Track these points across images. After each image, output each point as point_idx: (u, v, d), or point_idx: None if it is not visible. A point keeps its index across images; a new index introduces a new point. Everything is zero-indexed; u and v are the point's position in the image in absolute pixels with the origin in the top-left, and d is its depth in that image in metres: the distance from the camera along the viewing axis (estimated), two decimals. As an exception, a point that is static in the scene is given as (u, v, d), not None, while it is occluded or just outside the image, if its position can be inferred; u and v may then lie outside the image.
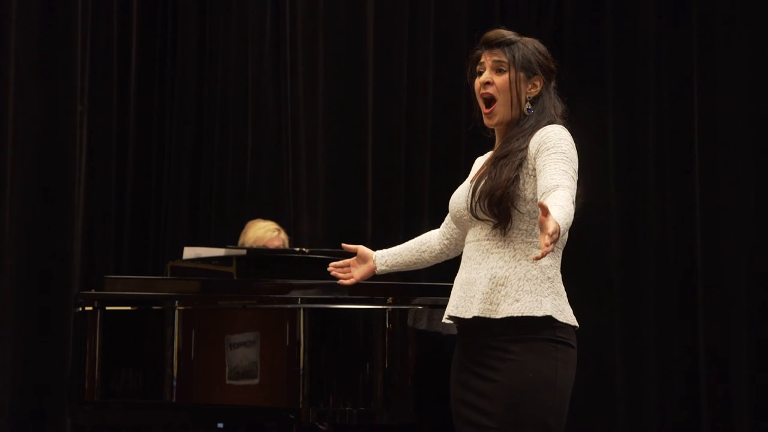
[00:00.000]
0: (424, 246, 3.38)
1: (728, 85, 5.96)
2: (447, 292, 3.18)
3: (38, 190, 5.34)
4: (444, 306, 3.16)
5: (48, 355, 5.24)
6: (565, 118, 3.11)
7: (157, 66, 5.83)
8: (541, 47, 3.13)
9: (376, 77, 6.00)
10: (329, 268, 3.43)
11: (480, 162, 3.27)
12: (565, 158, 2.91)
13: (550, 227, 2.63)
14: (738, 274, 5.84)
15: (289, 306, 3.86)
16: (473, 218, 3.03)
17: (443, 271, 5.37)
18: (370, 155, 5.93)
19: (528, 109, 3.08)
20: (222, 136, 5.83)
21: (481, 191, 2.99)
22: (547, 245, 2.63)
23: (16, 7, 5.31)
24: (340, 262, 3.43)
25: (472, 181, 3.10)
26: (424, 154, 6.07)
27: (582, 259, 5.73)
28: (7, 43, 5.27)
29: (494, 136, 3.19)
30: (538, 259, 2.68)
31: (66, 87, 5.40)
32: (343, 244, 3.42)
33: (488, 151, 3.26)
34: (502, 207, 2.96)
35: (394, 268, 3.39)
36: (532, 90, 3.09)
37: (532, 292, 2.96)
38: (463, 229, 3.13)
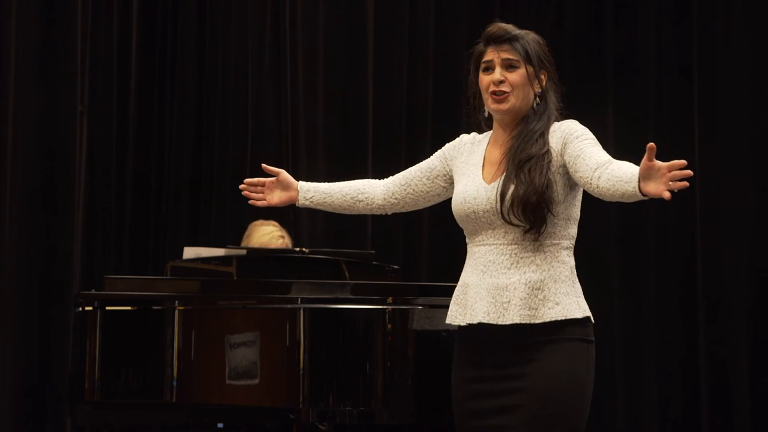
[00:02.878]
0: (361, 195, 3.25)
1: (728, 84, 5.95)
2: (446, 291, 3.17)
3: (38, 189, 5.34)
4: (444, 306, 3.14)
5: (48, 355, 5.24)
6: (562, 111, 3.08)
7: (157, 66, 5.83)
8: (541, 39, 3.07)
9: (376, 77, 6.00)
10: (241, 186, 3.25)
11: (468, 143, 3.16)
12: (597, 143, 2.93)
13: (678, 161, 2.63)
14: (738, 275, 5.84)
15: (289, 306, 3.86)
16: (504, 223, 2.94)
17: (444, 271, 5.38)
18: (370, 155, 5.92)
19: (537, 104, 3.03)
20: (222, 136, 5.83)
21: (513, 197, 2.91)
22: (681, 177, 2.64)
23: (16, 7, 5.31)
24: (254, 180, 3.26)
25: (491, 182, 3.00)
26: (424, 155, 6.03)
27: (582, 259, 5.71)
28: (7, 43, 5.27)
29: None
30: (671, 192, 2.66)
31: (66, 87, 5.39)
32: (263, 165, 3.25)
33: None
34: (539, 213, 2.90)
35: (318, 207, 3.25)
36: (541, 85, 3.04)
37: (568, 293, 2.95)
38: (471, 228, 3.03)
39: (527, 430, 2.88)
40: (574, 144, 2.92)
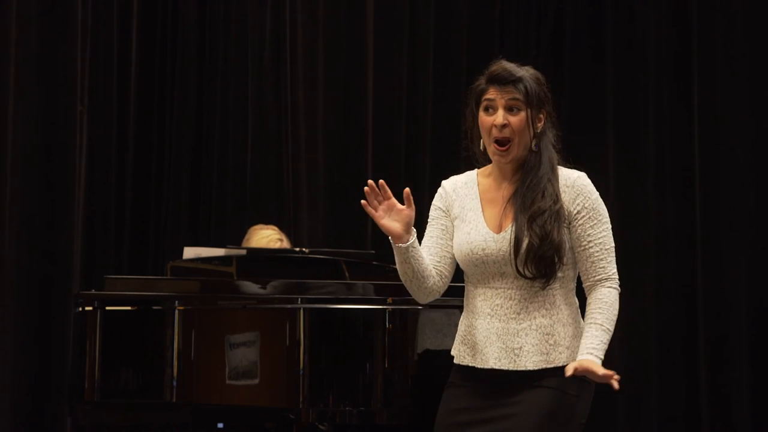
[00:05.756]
0: (432, 279, 3.06)
1: (728, 84, 5.95)
2: (446, 291, 3.16)
3: (38, 189, 5.34)
4: (444, 306, 3.15)
5: (48, 355, 5.24)
6: (559, 146, 3.07)
7: (157, 66, 5.84)
8: (541, 77, 3.05)
9: (376, 77, 6.00)
10: (369, 182, 2.95)
11: (453, 190, 3.14)
12: (606, 228, 2.98)
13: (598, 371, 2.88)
14: (738, 275, 5.84)
15: (289, 306, 3.86)
16: (516, 274, 2.95)
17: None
18: (370, 155, 5.92)
19: (535, 145, 3.01)
20: (222, 136, 5.83)
21: (528, 251, 2.93)
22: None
23: (16, 7, 5.31)
24: (386, 187, 2.97)
25: (500, 231, 2.99)
26: (424, 155, 6.06)
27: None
28: (7, 43, 5.27)
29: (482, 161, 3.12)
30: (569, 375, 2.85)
31: (66, 87, 5.39)
32: (406, 189, 2.97)
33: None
34: (552, 267, 2.93)
35: (405, 260, 2.99)
36: (539, 125, 3.02)
37: (575, 336, 2.99)
38: (479, 274, 3.03)
39: None
40: (584, 225, 2.97)
